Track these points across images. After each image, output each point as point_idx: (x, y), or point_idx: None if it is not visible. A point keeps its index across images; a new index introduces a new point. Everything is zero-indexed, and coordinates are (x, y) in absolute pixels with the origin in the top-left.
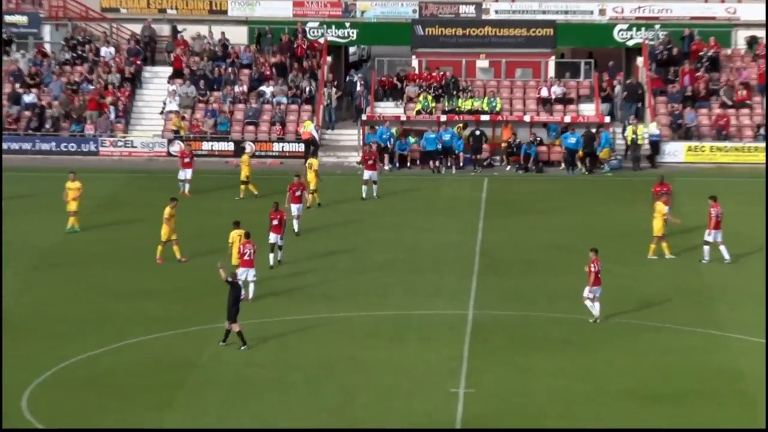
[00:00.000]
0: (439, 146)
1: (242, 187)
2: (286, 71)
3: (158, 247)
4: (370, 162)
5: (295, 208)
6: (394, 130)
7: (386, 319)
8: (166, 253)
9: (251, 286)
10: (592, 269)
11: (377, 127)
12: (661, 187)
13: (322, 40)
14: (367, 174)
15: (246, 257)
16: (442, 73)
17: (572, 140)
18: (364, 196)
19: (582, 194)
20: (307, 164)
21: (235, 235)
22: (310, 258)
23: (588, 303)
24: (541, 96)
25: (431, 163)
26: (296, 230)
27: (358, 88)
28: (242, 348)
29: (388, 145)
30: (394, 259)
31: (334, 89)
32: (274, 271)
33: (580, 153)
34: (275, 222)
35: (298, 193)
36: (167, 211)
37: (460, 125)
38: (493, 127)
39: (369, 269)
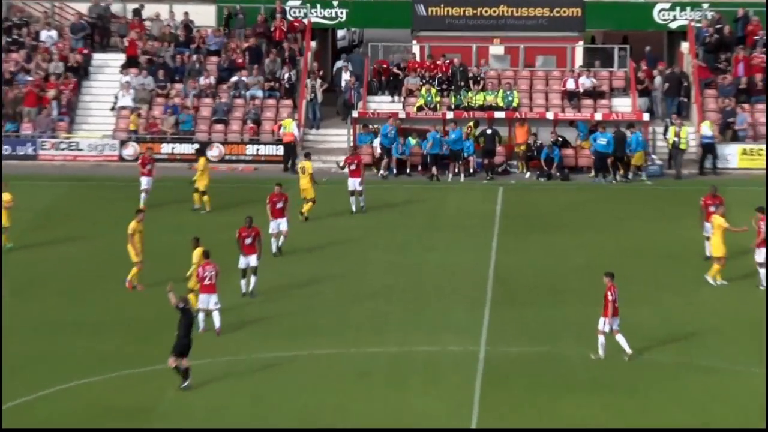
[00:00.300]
0: (444, 149)
1: (196, 196)
2: (261, 59)
3: (133, 269)
4: (353, 167)
5: (276, 224)
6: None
7: (382, 357)
8: (124, 276)
9: (216, 315)
10: (609, 297)
11: (371, 126)
12: (713, 200)
13: (305, 21)
14: (351, 183)
15: (207, 281)
16: (448, 61)
17: (603, 141)
18: (353, 209)
19: (616, 207)
20: (299, 167)
21: (198, 255)
22: (290, 283)
23: (602, 338)
24: (567, 89)
25: (433, 169)
26: (274, 250)
27: (348, 79)
28: (183, 386)
29: (394, 148)
30: (392, 285)
31: (319, 81)
32: (247, 298)
33: (611, 157)
34: (248, 241)
35: (279, 206)
36: (132, 226)
37: (471, 124)
38: (510, 125)
39: (362, 297)
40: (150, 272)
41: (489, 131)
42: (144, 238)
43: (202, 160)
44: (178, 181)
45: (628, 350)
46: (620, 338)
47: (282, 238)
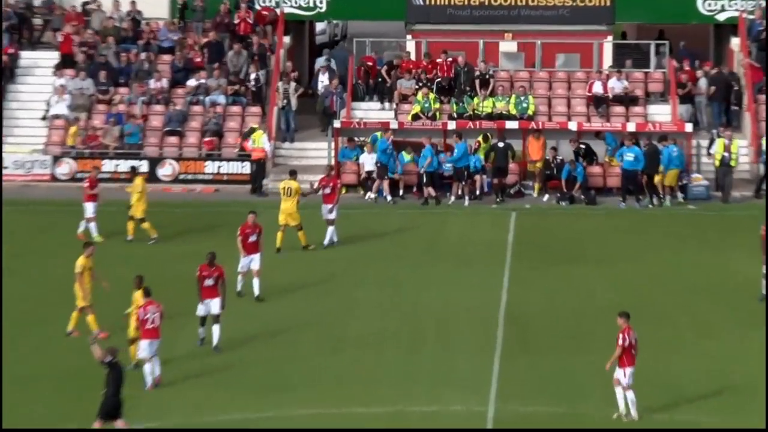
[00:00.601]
0: (447, 166)
1: (131, 225)
2: (224, 58)
3: (73, 313)
4: (328, 191)
5: (247, 260)
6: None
7: (370, 419)
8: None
9: (155, 364)
10: (622, 342)
11: (358, 139)
12: None
13: (277, 12)
14: (323, 209)
15: (149, 325)
16: (450, 60)
17: (629, 157)
18: (324, 241)
19: (651, 236)
20: (282, 187)
21: (135, 296)
22: (260, 329)
23: (619, 391)
24: (594, 94)
25: (428, 190)
26: (238, 288)
27: (328, 81)
28: None
29: (390, 165)
30: (382, 329)
31: (293, 84)
32: (201, 349)
33: (643, 176)
34: (209, 282)
35: (253, 239)
36: (80, 262)
37: (480, 138)
38: (524, 138)
39: (346, 345)
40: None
41: (501, 144)
42: (93, 276)
43: (138, 180)
44: (121, 205)
45: (633, 414)
46: (630, 396)
47: (255, 279)
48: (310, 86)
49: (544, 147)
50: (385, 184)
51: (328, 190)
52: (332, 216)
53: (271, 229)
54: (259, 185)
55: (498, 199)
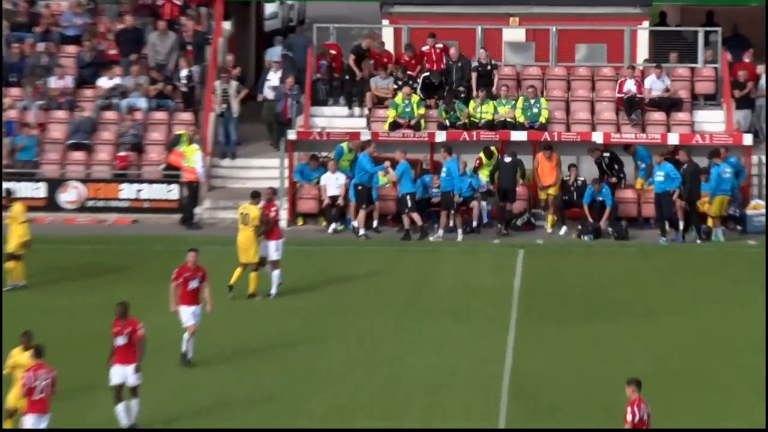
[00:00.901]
0: (435, 191)
1: (8, 265)
2: (144, 48)
3: None
4: (269, 227)
5: (189, 313)
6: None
7: None
8: None
9: None
10: (631, 418)
11: (321, 156)
12: None
13: None
14: (262, 247)
15: (36, 395)
16: (439, 48)
17: (660, 176)
18: (271, 290)
19: (700, 281)
20: (239, 213)
21: (19, 357)
22: (191, 407)
23: None
24: (625, 94)
25: (409, 219)
26: (184, 349)
27: (280, 80)
28: None
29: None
30: (353, 403)
31: (235, 83)
32: None
33: (681, 201)
34: (120, 341)
35: (194, 285)
36: None
37: (482, 155)
38: (534, 152)
39: (306, 423)
40: None
41: (508, 159)
42: None
43: (16, 207)
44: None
45: None
46: None
47: (186, 336)
48: (257, 86)
49: (559, 167)
50: (362, 214)
51: (269, 225)
52: (277, 255)
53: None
54: (190, 214)
55: (501, 232)
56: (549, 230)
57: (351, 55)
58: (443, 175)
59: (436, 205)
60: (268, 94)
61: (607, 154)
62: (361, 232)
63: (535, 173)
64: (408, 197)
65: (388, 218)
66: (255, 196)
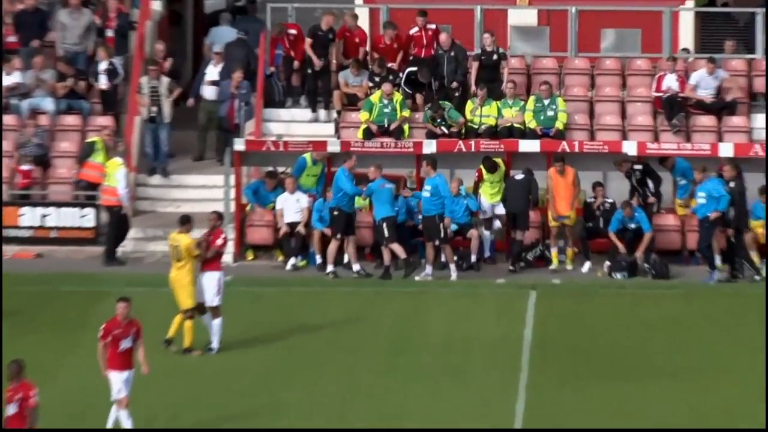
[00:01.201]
0: (417, 215)
1: None
2: (48, 34)
3: None
4: (210, 255)
5: (120, 379)
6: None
7: None
8: None
9: None
10: None
11: (280, 172)
12: None
13: None
14: (204, 287)
15: None
16: (430, 32)
17: (701, 198)
18: (212, 343)
19: (752, 330)
20: (169, 245)
21: None
22: None
23: None
24: (664, 93)
25: (389, 251)
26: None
27: (217, 75)
28: None
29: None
30: None
31: (166, 80)
32: None
33: (726, 229)
34: (11, 409)
35: (125, 345)
36: None
37: (481, 166)
38: (549, 165)
39: None
40: None
41: (519, 177)
42: None
43: None
44: None
45: None
46: None
47: (115, 410)
48: (194, 83)
49: (576, 185)
50: (333, 246)
51: (211, 254)
52: (216, 300)
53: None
54: (112, 248)
55: (512, 269)
56: (570, 265)
57: (308, 39)
58: (425, 194)
59: (425, 229)
60: (207, 93)
61: (638, 167)
62: (330, 268)
63: (550, 195)
64: (384, 224)
65: (366, 252)
66: (185, 222)
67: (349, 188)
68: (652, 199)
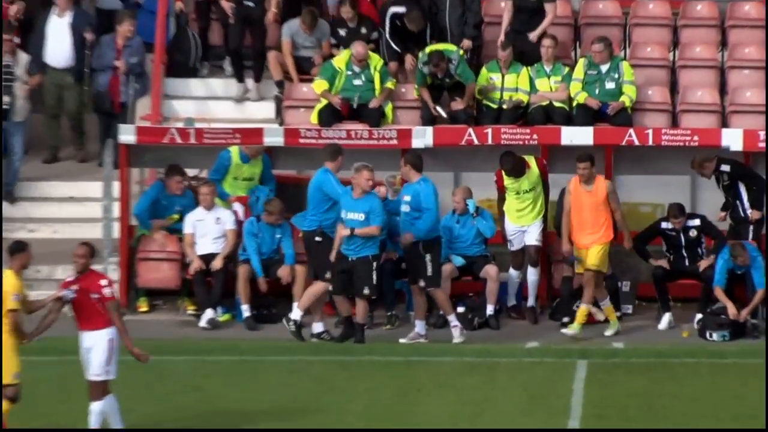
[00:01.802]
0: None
1: None
2: None
3: None
4: (88, 316)
5: None
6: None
7: None
8: None
9: None
10: None
11: (190, 180)
12: None
13: None
14: (91, 361)
15: None
16: None
17: None
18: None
19: None
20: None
21: None
22: None
23: None
24: None
25: (362, 304)
26: None
27: (62, 24)
28: None
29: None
30: None
31: (26, 56)
32: None
33: None
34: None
35: None
36: None
37: (503, 174)
38: (608, 164)
39: None
40: None
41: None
42: None
43: None
44: None
45: None
46: None
47: None
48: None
49: (615, 200)
50: (317, 289)
51: (89, 316)
52: (110, 372)
53: None
54: None
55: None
56: (613, 329)
57: None
58: (404, 208)
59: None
60: (51, 58)
61: (726, 168)
62: (318, 328)
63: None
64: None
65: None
66: (15, 251)
67: (328, 182)
68: (756, 215)
